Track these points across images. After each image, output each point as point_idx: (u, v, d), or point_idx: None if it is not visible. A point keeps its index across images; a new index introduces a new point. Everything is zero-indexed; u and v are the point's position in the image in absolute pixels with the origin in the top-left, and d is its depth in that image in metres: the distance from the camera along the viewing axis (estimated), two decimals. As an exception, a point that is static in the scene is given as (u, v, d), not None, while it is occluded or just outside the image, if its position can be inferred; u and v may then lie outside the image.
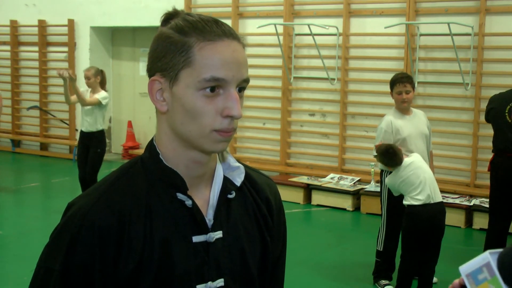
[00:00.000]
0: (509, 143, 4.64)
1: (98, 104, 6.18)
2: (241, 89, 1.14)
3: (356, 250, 5.50)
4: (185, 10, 6.99)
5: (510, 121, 4.62)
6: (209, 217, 1.17)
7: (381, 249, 4.64)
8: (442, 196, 6.43)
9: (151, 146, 1.18)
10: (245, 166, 1.27)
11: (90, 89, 6.31)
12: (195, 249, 1.14)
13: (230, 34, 1.12)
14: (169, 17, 1.16)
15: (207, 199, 1.18)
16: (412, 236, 4.15)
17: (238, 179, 1.22)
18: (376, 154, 4.56)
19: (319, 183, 7.11)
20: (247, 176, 1.25)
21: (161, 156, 1.15)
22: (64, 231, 1.10)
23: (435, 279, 4.61)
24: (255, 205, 1.26)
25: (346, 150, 7.69)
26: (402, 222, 4.21)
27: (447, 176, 6.88)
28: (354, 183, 7.12)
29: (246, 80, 1.14)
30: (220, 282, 1.16)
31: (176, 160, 1.15)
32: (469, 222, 6.34)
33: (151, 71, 1.14)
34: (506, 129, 4.65)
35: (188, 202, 1.14)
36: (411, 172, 4.10)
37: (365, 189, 6.84)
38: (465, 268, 1.09)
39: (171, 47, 1.10)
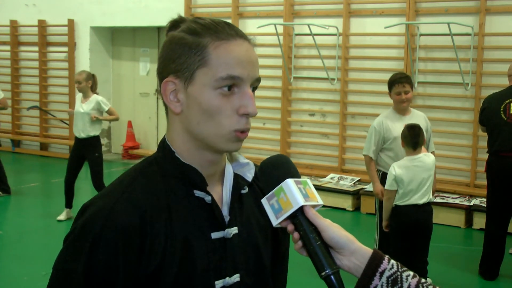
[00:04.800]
0: (504, 141, 4.64)
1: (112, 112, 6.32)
2: (254, 88, 1.15)
3: (356, 250, 5.48)
4: (185, 10, 6.99)
5: (505, 119, 4.62)
6: (224, 214, 1.18)
7: (377, 248, 4.66)
8: (442, 196, 6.49)
9: (164, 146, 1.18)
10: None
11: (81, 94, 6.27)
12: (213, 245, 1.15)
13: (242, 34, 1.14)
14: (175, 24, 1.17)
15: (220, 196, 1.20)
16: (398, 235, 4.15)
17: (249, 175, 1.25)
18: (365, 153, 4.61)
19: (319, 183, 7.10)
20: (254, 172, 1.27)
21: (177, 155, 1.16)
22: (84, 232, 1.08)
23: (429, 280, 4.58)
24: None
25: (346, 150, 7.69)
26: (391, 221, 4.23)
27: (447, 176, 6.88)
28: (354, 183, 7.12)
29: (258, 80, 1.16)
30: (236, 277, 1.18)
31: (190, 160, 1.16)
32: (469, 222, 6.34)
33: (163, 74, 1.15)
34: (501, 128, 4.64)
35: (208, 198, 1.15)
36: (408, 167, 4.09)
37: (365, 189, 6.84)
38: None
39: (185, 48, 1.11)
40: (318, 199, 1.13)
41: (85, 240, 1.08)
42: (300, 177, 1.13)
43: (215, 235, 1.15)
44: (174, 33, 1.15)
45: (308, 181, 1.14)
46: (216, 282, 1.15)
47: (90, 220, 1.09)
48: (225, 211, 1.19)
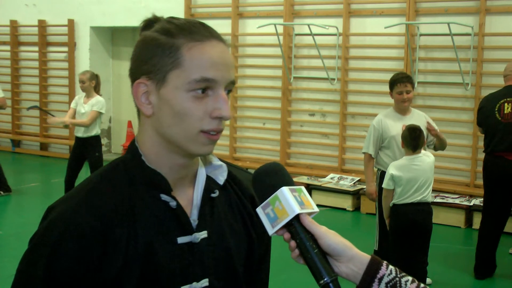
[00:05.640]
0: (498, 141, 4.66)
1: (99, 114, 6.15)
2: (227, 91, 1.12)
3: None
4: (185, 10, 6.98)
5: (500, 118, 4.64)
6: (193, 217, 1.16)
7: (377, 249, 4.69)
8: (442, 196, 6.49)
9: (133, 147, 1.16)
10: (228, 164, 1.27)
11: (84, 94, 6.27)
12: (180, 250, 1.13)
13: (217, 36, 1.11)
14: (149, 23, 1.15)
15: (190, 199, 1.18)
16: (397, 235, 4.15)
17: (221, 178, 1.22)
18: (364, 151, 4.63)
19: (319, 183, 7.10)
20: (230, 175, 1.25)
21: (143, 158, 1.14)
22: (46, 236, 1.08)
23: (429, 280, 4.56)
24: (240, 202, 1.25)
25: (346, 150, 7.69)
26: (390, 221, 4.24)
27: (447, 176, 6.89)
28: (354, 183, 7.12)
29: (233, 82, 1.13)
30: (205, 282, 1.16)
31: (160, 163, 1.14)
32: (469, 222, 6.34)
33: (135, 75, 1.12)
34: (496, 127, 4.66)
35: (173, 203, 1.13)
36: (407, 167, 4.10)
37: (365, 189, 6.83)
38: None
39: (158, 49, 1.08)
40: (314, 206, 1.11)
41: (45, 245, 1.07)
42: (294, 185, 1.11)
43: (181, 239, 1.13)
44: (147, 33, 1.12)
45: (303, 188, 1.12)
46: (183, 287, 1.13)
47: (51, 225, 1.09)
48: (194, 214, 1.16)
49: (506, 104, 4.59)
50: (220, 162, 1.23)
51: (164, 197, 1.13)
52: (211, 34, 1.10)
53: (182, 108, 1.07)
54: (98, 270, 1.07)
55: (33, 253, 1.10)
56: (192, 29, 1.09)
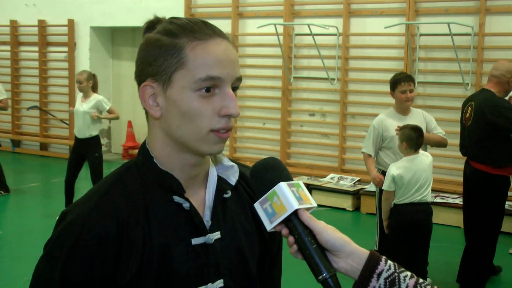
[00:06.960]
0: (461, 145, 4.64)
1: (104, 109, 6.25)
2: (234, 88, 1.12)
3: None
4: (185, 10, 6.96)
5: (463, 122, 4.62)
6: (206, 218, 1.16)
7: (377, 249, 4.68)
8: (442, 196, 6.49)
9: (144, 150, 1.17)
10: (238, 164, 1.27)
11: (81, 94, 6.29)
12: (194, 251, 1.13)
13: (220, 33, 1.11)
14: (152, 25, 1.16)
15: (202, 200, 1.18)
16: (397, 235, 4.16)
17: (233, 178, 1.22)
18: (363, 150, 4.62)
19: (319, 183, 7.10)
20: (240, 174, 1.24)
21: (155, 160, 1.14)
22: (61, 240, 1.09)
23: (429, 280, 4.56)
24: (251, 202, 1.24)
25: (346, 150, 7.70)
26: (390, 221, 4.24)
27: (447, 176, 6.88)
28: (354, 183, 7.12)
29: (240, 79, 1.12)
30: (220, 283, 1.16)
31: (171, 164, 1.14)
32: (469, 222, 6.33)
33: (140, 77, 1.13)
34: (462, 131, 4.65)
35: (186, 205, 1.13)
36: (408, 167, 4.11)
37: (365, 189, 6.84)
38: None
39: (162, 51, 1.08)
40: (312, 201, 1.10)
41: (61, 249, 1.07)
42: (292, 180, 1.11)
43: (195, 241, 1.13)
44: (150, 34, 1.13)
45: (301, 183, 1.12)
46: None
47: (66, 229, 1.09)
48: (207, 215, 1.16)
49: (469, 108, 4.53)
50: (231, 163, 1.22)
51: (177, 198, 1.12)
52: (213, 32, 1.09)
53: (190, 108, 1.07)
54: (114, 272, 1.07)
55: (49, 257, 1.10)
56: (194, 28, 1.08)
